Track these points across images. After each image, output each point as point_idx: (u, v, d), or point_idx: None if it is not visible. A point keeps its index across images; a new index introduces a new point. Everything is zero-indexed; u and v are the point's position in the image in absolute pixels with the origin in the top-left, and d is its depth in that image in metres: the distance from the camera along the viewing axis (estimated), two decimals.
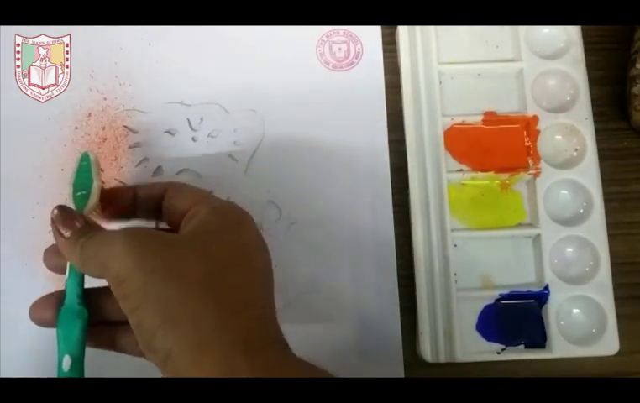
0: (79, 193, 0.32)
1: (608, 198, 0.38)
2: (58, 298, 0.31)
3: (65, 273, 0.31)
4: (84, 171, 0.32)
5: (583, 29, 0.41)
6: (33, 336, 0.37)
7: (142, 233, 0.29)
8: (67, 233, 0.30)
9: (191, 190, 0.32)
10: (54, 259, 0.32)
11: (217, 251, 0.28)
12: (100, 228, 0.31)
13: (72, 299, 0.30)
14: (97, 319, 0.31)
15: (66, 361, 0.29)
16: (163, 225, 0.33)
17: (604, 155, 0.39)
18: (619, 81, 0.42)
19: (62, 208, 0.30)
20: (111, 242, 0.28)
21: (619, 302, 0.37)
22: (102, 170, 0.37)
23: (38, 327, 0.38)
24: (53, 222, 0.30)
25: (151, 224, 0.34)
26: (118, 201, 0.33)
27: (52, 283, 0.38)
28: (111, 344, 0.32)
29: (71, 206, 0.32)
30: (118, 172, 0.40)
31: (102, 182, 0.33)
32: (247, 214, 0.32)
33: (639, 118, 0.40)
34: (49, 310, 0.31)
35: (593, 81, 0.40)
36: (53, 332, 0.37)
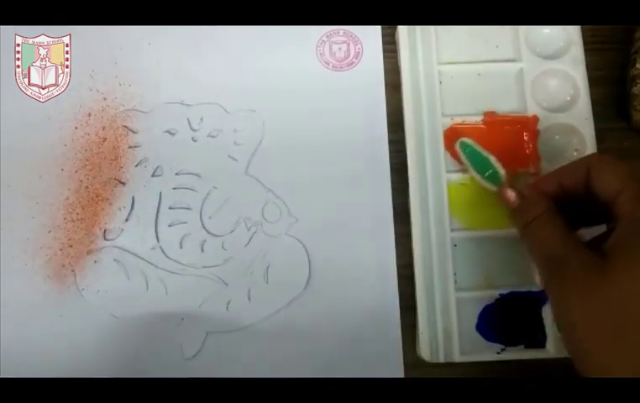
0: (487, 173, 0.35)
1: None
2: None
3: None
4: (475, 155, 0.36)
5: (583, 29, 0.40)
6: (33, 336, 0.37)
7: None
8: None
9: (614, 165, 0.29)
10: None
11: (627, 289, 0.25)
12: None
13: None
14: None
15: None
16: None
17: None
18: (619, 81, 0.42)
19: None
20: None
21: None
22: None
23: (37, 326, 0.38)
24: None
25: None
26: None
27: (53, 283, 0.38)
28: None
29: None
30: (117, 172, 0.40)
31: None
32: None
33: (639, 118, 0.40)
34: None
35: (593, 81, 0.40)
36: (51, 331, 0.37)
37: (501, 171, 0.35)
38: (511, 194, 0.31)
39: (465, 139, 0.36)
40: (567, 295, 0.26)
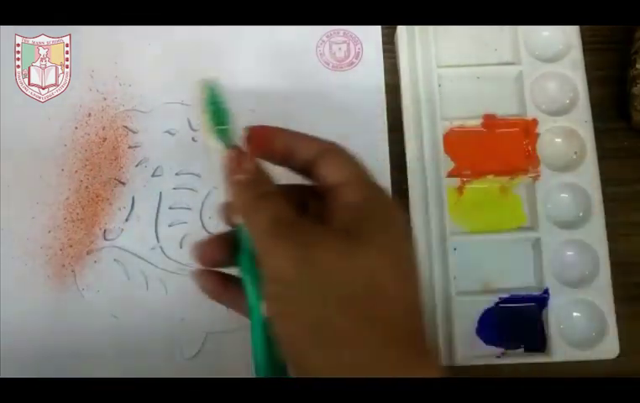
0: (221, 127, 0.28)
1: (608, 198, 0.38)
2: (229, 241, 0.27)
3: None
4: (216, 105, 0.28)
5: (582, 29, 0.40)
6: (33, 336, 0.37)
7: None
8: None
9: (346, 159, 0.28)
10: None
11: (375, 260, 0.24)
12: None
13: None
14: None
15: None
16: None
17: (604, 155, 0.39)
18: (619, 81, 0.42)
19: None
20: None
21: (619, 302, 0.37)
22: None
23: (37, 326, 0.38)
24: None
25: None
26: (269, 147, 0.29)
27: (53, 283, 0.38)
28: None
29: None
30: (117, 172, 0.40)
31: None
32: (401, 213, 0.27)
33: (639, 118, 0.40)
34: (221, 250, 0.27)
35: (593, 82, 0.40)
36: (51, 331, 0.37)
37: (239, 134, 0.28)
38: (252, 164, 0.28)
39: (213, 83, 0.28)
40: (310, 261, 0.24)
